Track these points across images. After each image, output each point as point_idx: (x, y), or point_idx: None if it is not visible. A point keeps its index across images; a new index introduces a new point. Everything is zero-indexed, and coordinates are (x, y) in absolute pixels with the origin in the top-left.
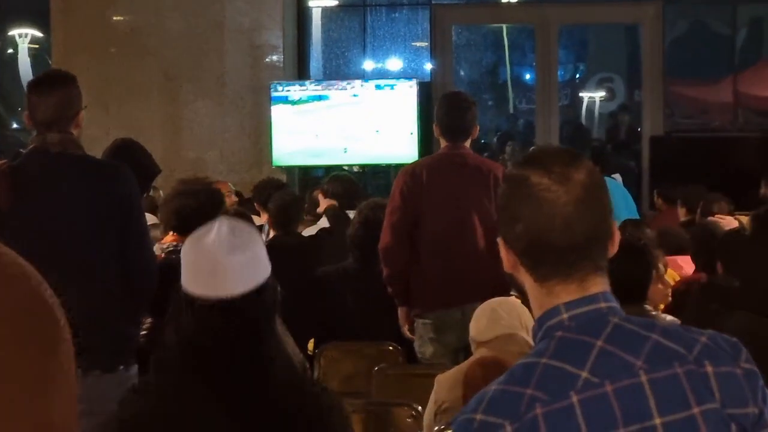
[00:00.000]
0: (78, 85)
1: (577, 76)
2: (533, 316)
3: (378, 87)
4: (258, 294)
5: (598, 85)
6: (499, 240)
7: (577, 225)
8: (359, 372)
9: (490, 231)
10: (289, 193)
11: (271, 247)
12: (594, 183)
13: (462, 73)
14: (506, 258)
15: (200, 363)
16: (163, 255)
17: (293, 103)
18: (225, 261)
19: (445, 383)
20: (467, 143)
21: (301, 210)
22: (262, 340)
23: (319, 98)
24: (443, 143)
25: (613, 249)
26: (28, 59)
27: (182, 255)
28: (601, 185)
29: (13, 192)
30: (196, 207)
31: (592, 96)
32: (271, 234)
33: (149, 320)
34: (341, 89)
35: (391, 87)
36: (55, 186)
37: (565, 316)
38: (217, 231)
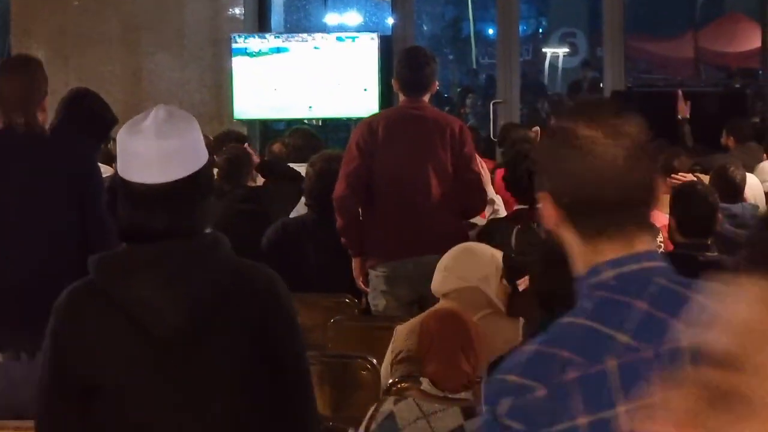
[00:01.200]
0: (43, 69)
1: (540, 31)
2: (577, 275)
3: (339, 39)
4: (192, 180)
5: (561, 41)
6: (542, 195)
7: (626, 180)
8: (316, 324)
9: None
10: (240, 147)
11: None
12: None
13: (424, 27)
14: (549, 214)
15: (137, 240)
16: None
17: (253, 55)
18: (158, 147)
19: (402, 333)
20: (426, 98)
21: (249, 162)
22: (196, 219)
23: (280, 51)
24: (402, 98)
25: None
26: None
27: (117, 142)
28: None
29: None
30: None
31: (555, 51)
32: None
33: None
34: (302, 41)
35: (353, 40)
36: (17, 161)
37: (609, 274)
38: (153, 117)
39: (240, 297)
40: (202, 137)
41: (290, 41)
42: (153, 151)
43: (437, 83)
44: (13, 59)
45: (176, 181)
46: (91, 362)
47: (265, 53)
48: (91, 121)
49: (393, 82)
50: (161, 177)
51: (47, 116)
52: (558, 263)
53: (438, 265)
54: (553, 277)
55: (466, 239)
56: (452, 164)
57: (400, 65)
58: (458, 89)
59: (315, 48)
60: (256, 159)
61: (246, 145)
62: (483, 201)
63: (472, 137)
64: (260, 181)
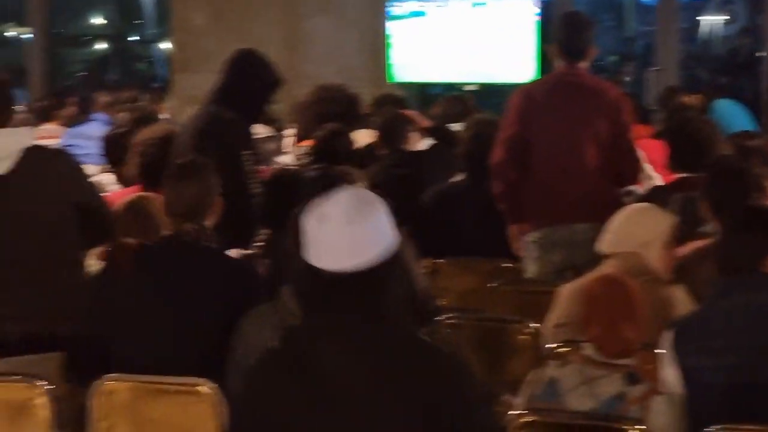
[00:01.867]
0: (214, 173)
1: None
2: None
3: (497, 6)
4: (382, 264)
5: (719, 8)
6: None
7: None
8: (474, 288)
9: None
10: (392, 109)
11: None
12: None
13: None
14: None
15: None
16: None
17: (412, 17)
18: (348, 233)
19: (565, 296)
20: (584, 64)
21: (405, 125)
22: (380, 306)
23: (438, 13)
24: (559, 63)
25: None
26: None
27: (305, 227)
28: None
29: (138, 270)
30: (338, 111)
31: (714, 19)
32: None
33: (265, 231)
34: (459, 7)
35: (512, 6)
36: (179, 275)
37: None
38: (339, 202)
39: (417, 375)
40: (389, 218)
41: (449, 4)
42: (343, 238)
43: (595, 49)
44: (183, 164)
45: (367, 267)
46: (276, 426)
47: (424, 15)
48: (257, 85)
49: (550, 47)
50: (351, 263)
51: (217, 216)
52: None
53: (608, 224)
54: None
55: (620, 207)
56: (608, 132)
57: (557, 30)
58: (615, 56)
59: (474, 5)
60: (423, 122)
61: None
62: (638, 169)
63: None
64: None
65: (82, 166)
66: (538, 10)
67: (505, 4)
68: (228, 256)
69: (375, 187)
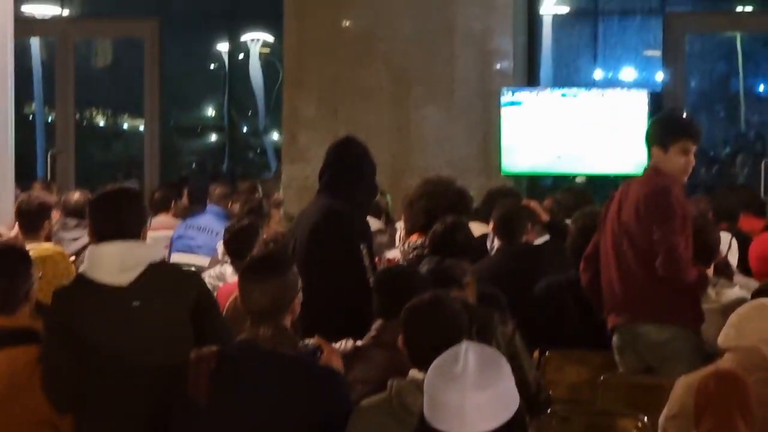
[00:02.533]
0: (294, 269)
1: None
2: None
3: (608, 96)
4: (505, 428)
5: None
6: None
7: None
8: (584, 380)
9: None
10: (513, 202)
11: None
12: None
13: (693, 83)
14: None
15: None
16: (411, 254)
17: (522, 109)
18: (471, 399)
19: (679, 388)
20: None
21: (525, 219)
22: None
23: (549, 106)
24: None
25: None
26: (259, 63)
27: (426, 386)
28: None
29: (214, 386)
30: (447, 205)
31: None
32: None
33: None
34: (571, 96)
35: (622, 97)
36: (259, 389)
37: None
38: (466, 363)
39: None
40: (513, 381)
41: (559, 95)
42: (469, 402)
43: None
44: (264, 259)
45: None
46: None
47: (535, 108)
48: (367, 168)
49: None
50: (473, 428)
51: (296, 314)
52: None
53: (731, 317)
54: None
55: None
56: (639, 229)
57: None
58: (727, 148)
59: (583, 101)
60: (544, 216)
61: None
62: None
63: (747, 195)
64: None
65: (207, 289)
66: (648, 100)
67: (617, 94)
68: (308, 363)
69: (487, 280)
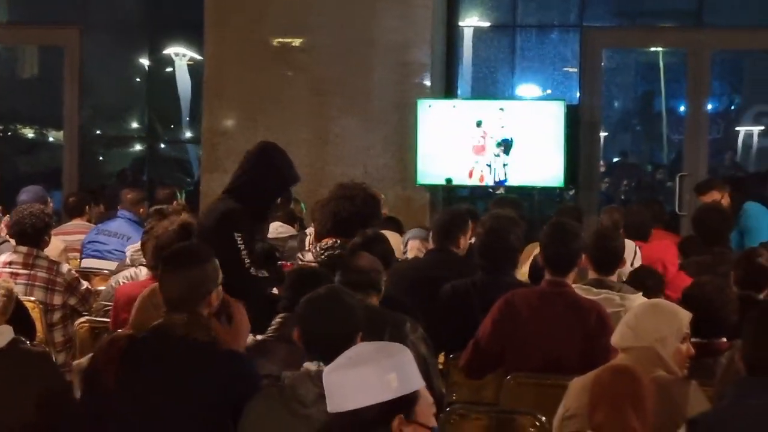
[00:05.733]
0: (215, 264)
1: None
2: None
3: (524, 108)
4: (353, 416)
5: (756, 119)
6: None
7: None
8: (489, 380)
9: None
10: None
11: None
12: None
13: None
14: None
15: None
16: (322, 256)
17: (439, 120)
18: (331, 378)
19: (575, 388)
20: (570, 277)
21: (460, 227)
22: None
23: (465, 116)
24: (546, 274)
25: None
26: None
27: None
28: None
29: (122, 368)
30: (353, 210)
31: (750, 129)
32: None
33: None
34: (488, 108)
35: (539, 108)
36: (165, 371)
37: None
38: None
39: None
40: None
41: (476, 108)
42: (329, 383)
43: (585, 257)
44: (182, 250)
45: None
46: None
47: (451, 119)
48: (274, 177)
49: (540, 256)
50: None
51: (214, 308)
52: None
53: (624, 318)
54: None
55: None
56: (588, 350)
57: (544, 239)
58: (648, 165)
59: (500, 110)
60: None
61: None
62: None
63: (656, 211)
64: None
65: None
66: (565, 114)
67: (532, 106)
68: (217, 348)
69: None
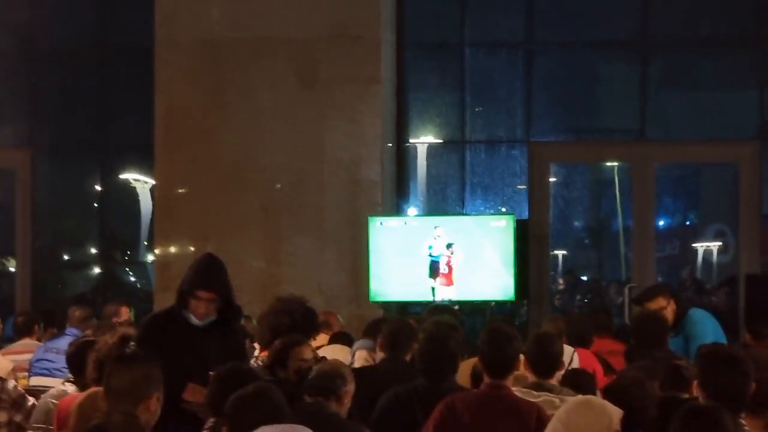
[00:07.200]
0: (158, 370)
1: (687, 223)
2: None
3: (475, 223)
4: None
5: (715, 236)
6: None
7: None
8: None
9: None
10: (401, 319)
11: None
12: None
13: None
14: None
15: None
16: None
17: (391, 237)
18: None
19: None
20: (509, 380)
21: (411, 336)
22: None
23: (417, 233)
24: (485, 377)
25: None
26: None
27: None
28: None
29: None
30: (291, 324)
31: (708, 245)
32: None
33: (212, 420)
34: (439, 225)
35: (489, 223)
36: None
37: None
38: None
39: None
40: None
41: (428, 225)
42: None
43: (522, 360)
44: (127, 352)
45: None
46: None
47: (403, 236)
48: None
49: (477, 360)
50: None
51: (153, 418)
52: None
53: (555, 415)
54: None
55: None
56: None
57: (482, 342)
58: (600, 280)
59: (452, 231)
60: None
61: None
62: None
63: (601, 319)
64: None
65: None
66: (514, 226)
67: (484, 220)
68: None
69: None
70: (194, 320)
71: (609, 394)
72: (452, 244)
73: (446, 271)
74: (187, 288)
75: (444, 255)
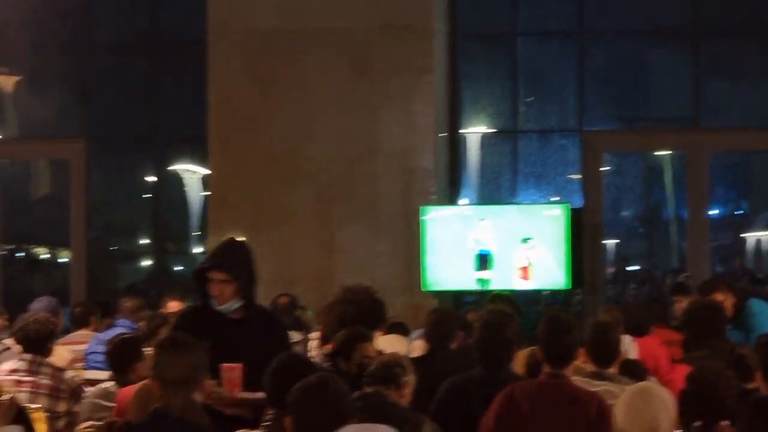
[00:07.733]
0: (205, 354)
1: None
2: None
3: (528, 212)
4: None
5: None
6: None
7: None
8: None
9: None
10: (445, 309)
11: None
12: None
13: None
14: None
15: None
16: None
17: (444, 227)
18: None
19: None
20: (569, 369)
21: (454, 325)
22: None
23: (471, 223)
24: (545, 367)
25: None
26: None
27: None
28: None
29: None
30: (356, 314)
31: (760, 235)
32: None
33: (271, 412)
34: (493, 214)
35: (542, 213)
36: None
37: None
38: None
39: None
40: None
41: (480, 212)
42: None
43: (580, 350)
44: (179, 337)
45: None
46: None
47: (457, 225)
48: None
49: (536, 349)
50: None
51: (205, 394)
52: None
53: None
54: None
55: None
56: None
57: (541, 332)
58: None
59: (505, 220)
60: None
61: None
62: None
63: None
64: None
65: None
66: (569, 218)
67: (536, 211)
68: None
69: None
70: (218, 306)
71: (691, 382)
72: (530, 238)
73: (525, 264)
74: (199, 269)
75: (521, 249)
